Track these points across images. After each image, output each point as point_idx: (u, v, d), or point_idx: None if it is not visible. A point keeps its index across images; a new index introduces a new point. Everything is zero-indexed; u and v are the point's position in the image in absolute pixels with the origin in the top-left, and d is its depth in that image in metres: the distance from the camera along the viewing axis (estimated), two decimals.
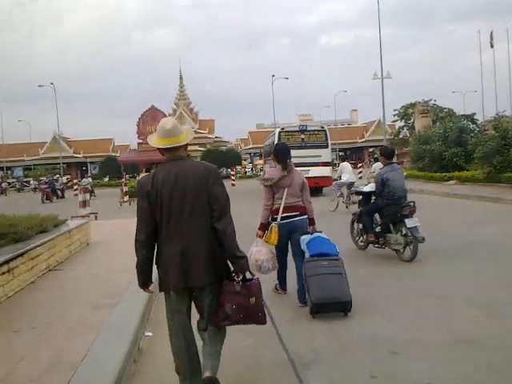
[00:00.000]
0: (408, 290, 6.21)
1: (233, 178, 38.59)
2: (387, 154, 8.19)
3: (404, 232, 7.71)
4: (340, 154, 57.77)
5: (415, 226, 7.51)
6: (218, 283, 3.25)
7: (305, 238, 5.63)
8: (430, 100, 48.95)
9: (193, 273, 3.14)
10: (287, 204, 5.63)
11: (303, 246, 5.59)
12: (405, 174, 27.94)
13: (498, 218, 12.24)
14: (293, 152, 18.88)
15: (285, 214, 5.63)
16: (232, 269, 3.28)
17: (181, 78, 64.15)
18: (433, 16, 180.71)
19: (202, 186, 3.15)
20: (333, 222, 11.78)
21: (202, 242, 3.16)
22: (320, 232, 5.80)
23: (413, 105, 47.56)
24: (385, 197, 7.90)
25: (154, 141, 3.26)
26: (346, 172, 16.27)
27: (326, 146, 22.66)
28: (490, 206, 14.84)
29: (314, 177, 21.74)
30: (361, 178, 35.04)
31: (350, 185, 15.29)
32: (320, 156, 22.18)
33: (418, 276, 6.95)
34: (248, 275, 3.30)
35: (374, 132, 67.60)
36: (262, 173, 37.24)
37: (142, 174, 27.48)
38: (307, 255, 5.52)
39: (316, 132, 22.86)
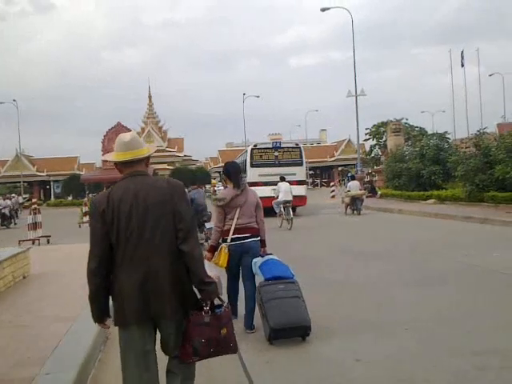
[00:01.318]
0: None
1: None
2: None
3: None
4: (310, 172, 57.26)
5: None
6: (185, 313, 2.94)
7: (257, 261, 5.41)
8: (402, 119, 48.68)
9: (156, 302, 2.84)
10: (239, 225, 5.39)
11: (255, 269, 5.39)
12: (379, 192, 27.31)
13: (495, 242, 11.14)
14: (266, 170, 18.20)
15: (236, 236, 5.38)
16: (199, 296, 2.98)
17: (150, 96, 63.76)
18: (398, 40, 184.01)
19: (166, 203, 2.89)
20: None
21: (166, 266, 2.86)
22: (271, 254, 5.61)
23: (384, 124, 47.39)
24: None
25: (113, 155, 3.01)
26: (282, 191, 17.07)
27: (301, 164, 21.58)
28: (479, 227, 13.82)
29: None
30: (333, 197, 34.42)
31: (286, 202, 16.84)
32: (294, 174, 21.02)
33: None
34: (217, 301, 3.03)
35: (343, 151, 68.24)
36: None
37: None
38: (261, 279, 5.32)
39: (290, 149, 21.78)
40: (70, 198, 52.21)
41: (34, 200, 37.38)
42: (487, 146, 18.94)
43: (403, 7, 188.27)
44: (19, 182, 54.21)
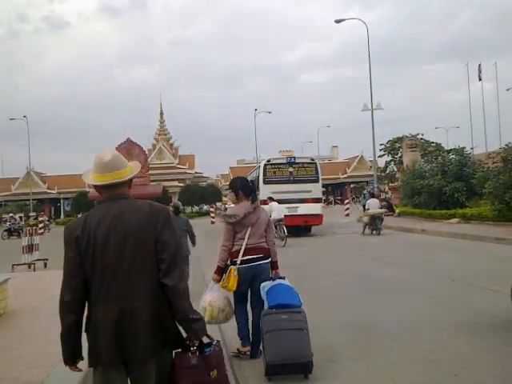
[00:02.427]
0: None
1: (212, 215, 36.22)
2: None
3: None
4: (322, 189, 56.30)
5: None
6: (166, 353, 2.65)
7: (265, 286, 5.01)
8: (418, 134, 47.52)
9: (132, 343, 2.54)
10: (250, 245, 5.05)
11: (263, 294, 4.98)
12: (397, 211, 26.09)
13: None
14: (280, 187, 17.07)
15: (247, 257, 5.02)
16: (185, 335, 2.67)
17: (161, 113, 63.95)
18: (407, 56, 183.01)
19: (148, 231, 2.62)
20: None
21: (146, 302, 2.57)
22: (283, 278, 5.19)
23: (400, 139, 46.34)
24: None
25: (91, 177, 2.73)
26: (275, 210, 16.90)
27: (317, 181, 20.46)
28: None
29: (304, 214, 19.60)
30: (348, 215, 33.17)
31: (279, 221, 16.86)
32: (310, 191, 19.97)
33: None
34: (205, 339, 2.69)
35: (355, 168, 67.80)
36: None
37: None
38: (266, 306, 4.89)
39: (305, 165, 20.64)
40: (79, 216, 51.59)
41: (40, 219, 37.37)
42: None
43: (413, 22, 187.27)
44: (29, 199, 54.06)
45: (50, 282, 9.52)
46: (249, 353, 5.23)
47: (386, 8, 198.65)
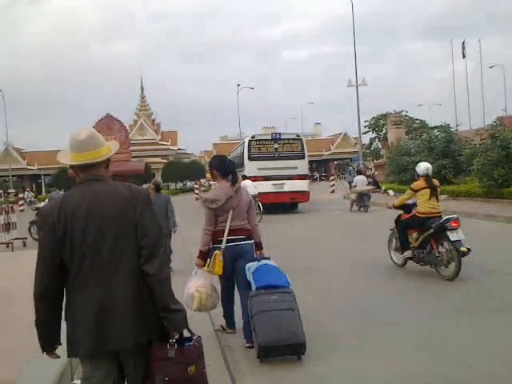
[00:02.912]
0: None
1: (197, 191, 35.89)
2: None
3: None
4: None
5: None
6: (149, 344, 2.53)
7: (250, 266, 4.91)
8: (402, 111, 47.20)
9: (112, 331, 2.45)
10: (232, 227, 4.91)
11: (249, 276, 4.87)
12: (383, 187, 25.88)
13: None
14: (265, 163, 16.58)
15: (229, 237, 4.89)
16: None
17: (142, 88, 63.17)
18: (390, 33, 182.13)
19: (127, 216, 2.51)
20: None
21: (127, 290, 2.47)
22: (268, 259, 5.08)
23: (384, 116, 46.11)
24: None
25: (67, 157, 2.62)
26: (248, 187, 16.19)
27: (303, 157, 20.05)
28: (509, 228, 12.34)
29: (290, 191, 19.25)
30: (333, 191, 32.96)
31: (253, 197, 16.20)
32: (296, 168, 19.55)
33: None
34: (186, 333, 2.58)
35: (339, 145, 67.83)
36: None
37: None
38: (253, 287, 4.77)
39: (291, 141, 20.19)
40: (61, 192, 50.99)
41: (21, 196, 36.63)
42: (506, 138, 17.44)
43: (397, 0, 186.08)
44: (8, 176, 53.11)
45: (26, 263, 9.03)
46: (232, 332, 5.28)
47: None
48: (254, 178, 18.67)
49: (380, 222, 15.69)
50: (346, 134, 68.03)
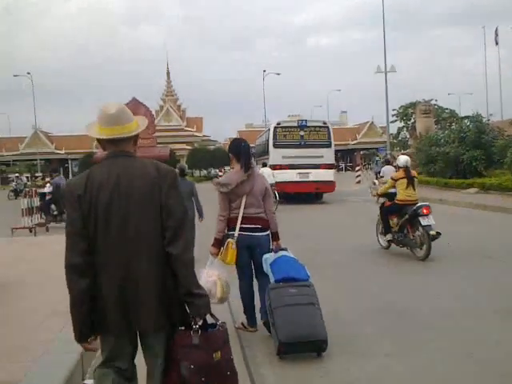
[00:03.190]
0: None
1: (221, 174, 35.64)
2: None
3: None
4: None
5: None
6: (173, 329, 2.48)
7: (268, 258, 4.72)
8: (431, 100, 46.11)
9: (135, 313, 2.41)
10: (246, 215, 4.71)
11: (266, 268, 4.68)
12: None
13: None
14: (291, 151, 16.18)
15: (243, 226, 4.69)
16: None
17: (168, 73, 62.92)
18: (420, 21, 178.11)
19: (153, 194, 2.45)
20: None
21: (150, 271, 2.42)
22: (285, 249, 4.88)
23: (413, 104, 45.00)
24: None
25: (95, 130, 2.55)
26: (266, 176, 16.17)
27: (329, 145, 19.59)
28: None
29: (316, 181, 18.86)
30: (359, 182, 32.38)
31: (271, 186, 16.82)
32: (322, 157, 19.13)
33: None
34: (209, 319, 2.56)
35: (366, 134, 66.60)
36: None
37: None
38: (272, 280, 4.59)
39: (317, 128, 19.73)
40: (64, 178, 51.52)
41: (47, 179, 36.96)
42: None
43: None
44: (36, 159, 53.94)
45: (43, 250, 8.90)
46: (254, 330, 4.95)
47: None
48: (280, 167, 18.41)
49: None
50: (372, 122, 66.79)
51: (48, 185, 15.56)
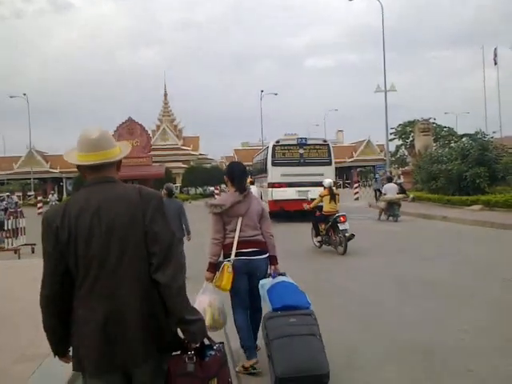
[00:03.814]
0: None
1: (217, 196, 35.13)
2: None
3: None
4: None
5: None
6: (164, 357, 2.37)
7: (264, 284, 4.40)
8: (430, 118, 46.07)
9: (121, 347, 2.26)
10: (243, 238, 4.45)
11: (263, 294, 4.37)
12: (411, 195, 24.66)
13: None
14: (290, 169, 15.59)
15: (240, 250, 4.41)
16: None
17: (165, 94, 63.70)
18: (415, 43, 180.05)
19: (136, 221, 2.33)
20: None
21: (136, 301, 2.29)
22: (284, 275, 4.56)
23: (411, 123, 45.10)
24: None
25: (75, 156, 2.43)
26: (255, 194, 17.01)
27: (329, 163, 19.16)
28: None
29: (315, 199, 18.23)
30: (357, 199, 31.89)
31: None
32: (322, 174, 18.48)
33: None
34: (206, 341, 2.45)
35: (362, 152, 66.97)
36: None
37: None
38: (269, 308, 4.26)
39: (317, 146, 19.35)
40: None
41: (39, 198, 36.40)
42: None
43: (422, 10, 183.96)
44: (31, 178, 53.81)
45: (30, 273, 8.22)
46: (256, 365, 4.46)
47: None
48: (279, 185, 17.96)
49: (413, 233, 14.69)
50: (369, 141, 66.88)
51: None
